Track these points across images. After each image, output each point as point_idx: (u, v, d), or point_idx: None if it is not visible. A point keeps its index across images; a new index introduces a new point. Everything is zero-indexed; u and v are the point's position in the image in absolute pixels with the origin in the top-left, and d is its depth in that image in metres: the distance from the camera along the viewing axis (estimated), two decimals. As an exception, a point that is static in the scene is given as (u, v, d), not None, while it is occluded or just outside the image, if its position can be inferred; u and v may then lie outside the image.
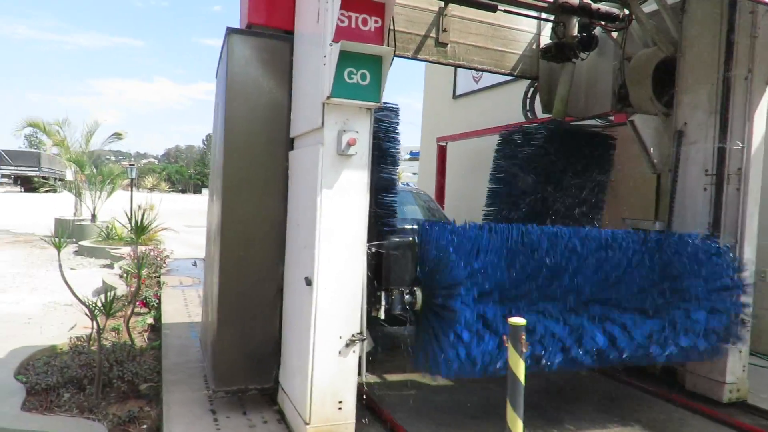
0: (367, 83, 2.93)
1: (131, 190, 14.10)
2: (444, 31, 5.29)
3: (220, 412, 3.54)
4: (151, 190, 51.37)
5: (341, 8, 2.84)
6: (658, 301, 3.53)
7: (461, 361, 3.08)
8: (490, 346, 3.12)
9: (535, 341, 3.19)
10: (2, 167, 40.14)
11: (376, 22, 3.00)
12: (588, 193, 5.38)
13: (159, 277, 8.52)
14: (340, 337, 3.05)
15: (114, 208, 15.42)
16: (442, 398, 4.14)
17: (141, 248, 11.35)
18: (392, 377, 4.52)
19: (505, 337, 2.56)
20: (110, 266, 11.06)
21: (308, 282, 3.02)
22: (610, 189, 5.57)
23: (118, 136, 15.14)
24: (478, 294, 3.08)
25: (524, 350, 2.39)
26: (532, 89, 6.69)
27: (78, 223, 14.46)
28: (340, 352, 3.06)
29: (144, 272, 8.59)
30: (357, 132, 2.98)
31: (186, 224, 17.63)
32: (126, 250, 11.65)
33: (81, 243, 12.85)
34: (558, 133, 5.20)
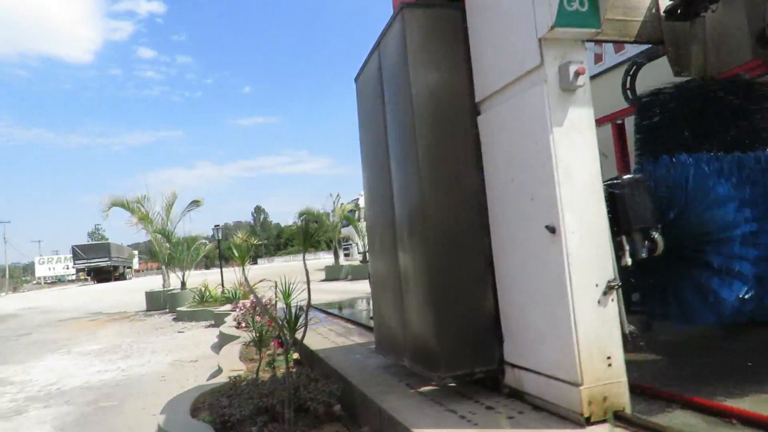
0: (585, 9, 2.80)
1: (219, 250, 14.33)
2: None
3: (454, 405, 3.24)
4: (207, 267, 52.71)
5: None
6: None
7: (731, 306, 2.74)
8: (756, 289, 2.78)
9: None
10: (77, 262, 42.13)
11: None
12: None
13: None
14: (596, 285, 2.77)
15: (193, 280, 15.75)
16: (666, 364, 3.72)
17: (250, 299, 11.37)
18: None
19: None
20: (214, 325, 11.06)
21: (552, 229, 2.78)
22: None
23: (196, 203, 15.60)
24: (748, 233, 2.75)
25: None
26: (634, 68, 6.45)
27: (169, 292, 14.73)
28: (599, 302, 2.76)
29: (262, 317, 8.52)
30: (581, 62, 2.82)
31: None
32: (227, 307, 11.69)
33: (179, 309, 13.00)
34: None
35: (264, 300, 9.28)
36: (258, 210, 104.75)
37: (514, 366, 3.29)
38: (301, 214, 22.06)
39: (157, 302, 15.47)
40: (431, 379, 3.44)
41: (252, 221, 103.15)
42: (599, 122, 9.07)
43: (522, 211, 3.08)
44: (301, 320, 4.88)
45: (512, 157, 3.16)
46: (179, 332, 10.82)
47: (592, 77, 9.65)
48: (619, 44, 8.41)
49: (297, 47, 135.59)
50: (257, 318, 8.70)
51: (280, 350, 6.74)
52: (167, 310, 14.79)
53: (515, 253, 3.18)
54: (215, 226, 14.64)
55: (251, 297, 9.77)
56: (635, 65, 6.58)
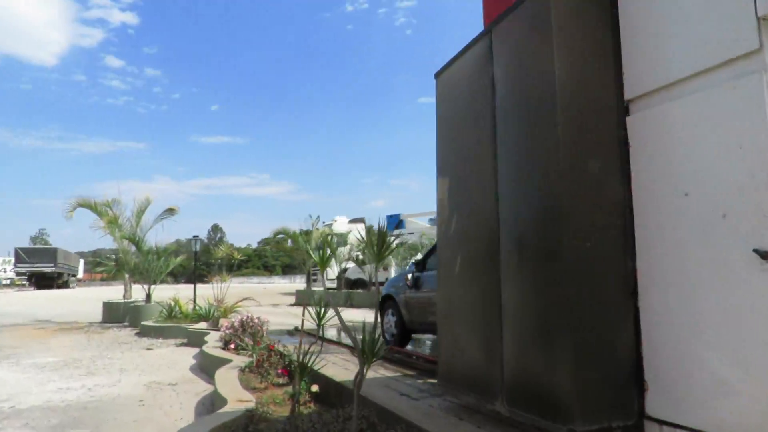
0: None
1: (195, 263, 13.20)
2: None
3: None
4: (155, 282, 49.83)
5: None
6: None
7: None
8: None
9: None
10: (19, 265, 39.12)
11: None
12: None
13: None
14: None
15: (158, 294, 14.50)
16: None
17: (232, 319, 10.34)
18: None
19: None
20: (187, 344, 9.96)
21: (764, 254, 2.20)
22: None
23: (171, 211, 14.48)
24: None
25: None
26: None
27: (132, 304, 13.43)
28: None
29: (251, 341, 7.58)
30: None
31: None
32: (201, 325, 10.60)
33: (144, 323, 11.76)
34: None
35: (255, 320, 8.38)
36: (215, 228, 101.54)
37: (662, 423, 2.64)
38: (276, 233, 21.06)
39: (116, 314, 14.08)
40: (556, 432, 2.74)
41: (206, 240, 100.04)
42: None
43: (703, 230, 2.48)
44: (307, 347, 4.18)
45: (687, 165, 2.58)
46: (147, 349, 9.65)
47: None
48: None
49: (272, 72, 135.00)
50: (247, 339, 7.78)
51: (283, 379, 5.86)
52: (127, 324, 13.45)
53: (680, 281, 2.57)
54: (194, 236, 13.53)
55: (240, 315, 8.81)
56: None
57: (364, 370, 3.14)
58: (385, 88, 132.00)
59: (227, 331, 8.09)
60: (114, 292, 32.20)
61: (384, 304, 7.54)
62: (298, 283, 73.73)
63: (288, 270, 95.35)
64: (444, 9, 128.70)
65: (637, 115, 2.87)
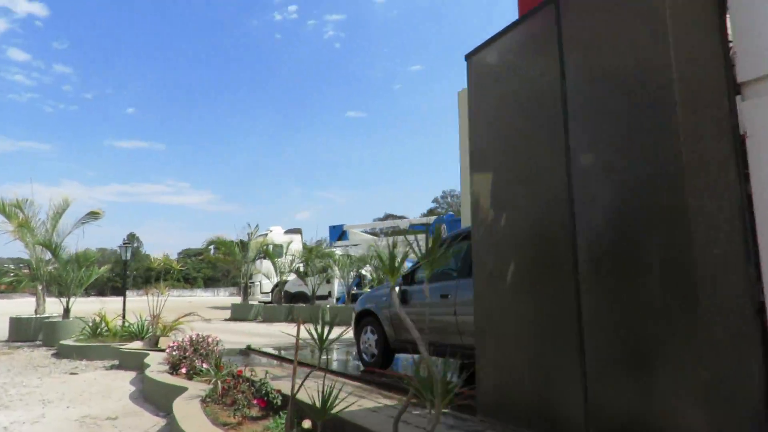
0: None
1: (124, 273, 11.73)
2: None
3: None
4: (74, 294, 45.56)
5: None
6: None
7: None
8: None
9: None
10: None
11: None
12: None
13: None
14: None
15: (79, 308, 12.87)
16: None
17: (173, 337, 9.15)
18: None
19: None
20: (120, 366, 8.69)
21: None
22: None
23: (94, 215, 12.89)
24: None
25: None
26: None
27: (46, 320, 11.74)
28: None
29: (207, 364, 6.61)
30: None
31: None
32: (136, 344, 9.33)
33: (62, 342, 10.24)
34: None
35: (208, 339, 7.37)
36: (131, 237, 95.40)
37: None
38: (210, 243, 19.62)
39: (26, 331, 12.27)
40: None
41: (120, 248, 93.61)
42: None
43: None
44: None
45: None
46: (71, 374, 8.29)
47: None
48: None
49: (194, 78, 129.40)
50: (198, 362, 6.77)
51: (259, 411, 4.99)
52: (40, 343, 11.74)
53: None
54: (124, 242, 12.01)
55: (185, 333, 7.75)
56: None
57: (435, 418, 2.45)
58: (313, 99, 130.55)
59: (175, 353, 7.03)
60: (18, 306, 28.82)
61: (360, 320, 6.84)
62: (222, 296, 70.42)
63: (210, 283, 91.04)
64: (373, 23, 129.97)
65: (755, 101, 2.45)
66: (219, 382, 5.45)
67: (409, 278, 6.13)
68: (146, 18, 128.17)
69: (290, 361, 7.38)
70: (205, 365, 6.66)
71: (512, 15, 3.65)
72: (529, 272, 3.04)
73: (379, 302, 6.53)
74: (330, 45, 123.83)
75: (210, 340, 7.14)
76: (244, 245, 19.93)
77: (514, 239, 3.17)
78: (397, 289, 6.10)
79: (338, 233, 23.02)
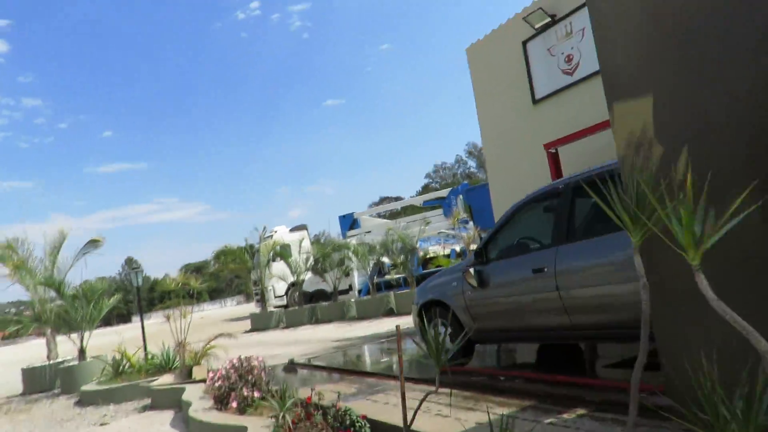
0: None
1: (138, 300, 10.72)
2: None
3: None
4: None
5: None
6: None
7: None
8: None
9: None
10: None
11: None
12: None
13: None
14: None
15: (93, 343, 11.89)
16: None
17: (212, 364, 8.20)
18: None
19: None
20: (153, 407, 7.74)
21: None
22: None
23: (95, 243, 11.84)
24: None
25: None
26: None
27: (62, 366, 10.75)
28: None
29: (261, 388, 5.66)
30: None
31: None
32: (166, 379, 8.37)
33: (84, 389, 9.27)
34: None
35: (255, 361, 6.42)
36: (129, 262, 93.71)
37: None
38: (219, 254, 18.58)
39: (41, 381, 11.27)
40: None
41: (119, 275, 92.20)
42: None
43: None
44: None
45: None
46: (102, 424, 7.32)
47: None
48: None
49: (166, 91, 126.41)
50: (246, 391, 5.82)
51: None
52: (59, 391, 10.76)
53: None
54: (132, 267, 11.02)
55: (227, 360, 6.78)
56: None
57: None
58: (289, 94, 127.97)
59: (218, 383, 6.08)
60: (26, 351, 27.65)
61: (426, 313, 5.90)
62: (231, 306, 69.31)
63: (215, 294, 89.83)
64: (338, 8, 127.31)
65: None
66: (286, 414, 4.51)
67: (483, 255, 5.17)
68: (109, 40, 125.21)
69: (351, 373, 6.45)
70: (257, 393, 5.72)
71: None
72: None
73: (449, 289, 5.58)
74: (298, 36, 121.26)
75: (257, 363, 6.18)
76: (252, 250, 18.91)
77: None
78: (471, 270, 5.15)
79: (349, 222, 21.99)
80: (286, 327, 17.16)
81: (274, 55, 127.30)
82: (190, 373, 8.00)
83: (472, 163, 69.16)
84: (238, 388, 5.83)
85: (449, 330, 5.56)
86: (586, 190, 4.41)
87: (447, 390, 4.01)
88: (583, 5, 8.69)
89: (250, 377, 6.03)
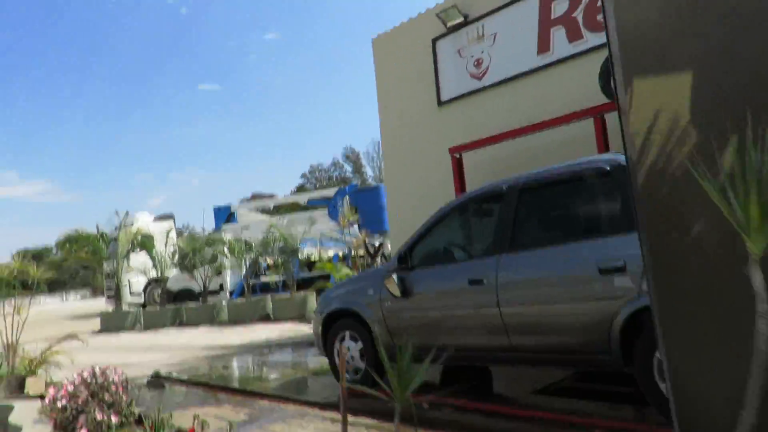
0: None
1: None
2: None
3: None
4: None
5: None
6: None
7: None
8: None
9: None
10: None
11: None
12: None
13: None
14: None
15: None
16: None
17: (50, 376, 6.57)
18: None
19: None
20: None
21: None
22: None
23: None
24: None
25: None
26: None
27: None
28: None
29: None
30: None
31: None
32: None
33: None
34: None
35: (115, 374, 5.15)
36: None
37: None
38: (68, 239, 15.93)
39: None
40: None
41: (-67, 258, 77.94)
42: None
43: None
44: None
45: None
46: None
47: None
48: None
49: (11, 51, 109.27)
50: (98, 414, 4.60)
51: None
52: None
53: None
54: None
55: (81, 371, 5.36)
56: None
57: None
58: (159, 73, 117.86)
59: (62, 402, 4.76)
60: None
61: (331, 325, 5.15)
62: (73, 301, 61.51)
63: (55, 286, 79.83)
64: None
65: None
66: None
67: (407, 260, 4.58)
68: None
69: (236, 392, 5.47)
70: (114, 418, 4.56)
71: None
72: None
73: (362, 297, 4.90)
74: (175, 11, 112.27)
75: (116, 377, 4.95)
76: (107, 238, 16.58)
77: None
78: (394, 277, 4.53)
79: (225, 215, 20.29)
80: (145, 329, 15.20)
81: (144, 30, 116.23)
82: (22, 386, 6.39)
83: (348, 167, 69.31)
84: (90, 410, 4.60)
85: (360, 345, 4.89)
86: (535, 192, 4.07)
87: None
88: (497, 9, 8.60)
89: (106, 396, 4.81)
